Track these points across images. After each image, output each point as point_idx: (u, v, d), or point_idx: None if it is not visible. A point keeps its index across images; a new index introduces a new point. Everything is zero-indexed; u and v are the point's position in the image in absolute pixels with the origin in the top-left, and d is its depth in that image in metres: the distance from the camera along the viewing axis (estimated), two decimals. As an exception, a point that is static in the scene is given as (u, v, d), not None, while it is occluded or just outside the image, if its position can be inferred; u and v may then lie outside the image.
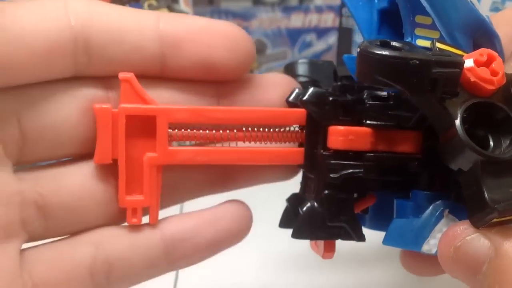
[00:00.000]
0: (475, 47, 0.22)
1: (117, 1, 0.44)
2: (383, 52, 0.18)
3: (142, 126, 0.21)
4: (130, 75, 0.20)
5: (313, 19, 0.50)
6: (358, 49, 0.19)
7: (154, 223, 0.21)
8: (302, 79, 0.24)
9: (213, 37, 0.21)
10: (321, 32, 0.50)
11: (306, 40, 0.51)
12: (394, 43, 0.19)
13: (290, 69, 0.25)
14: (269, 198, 0.27)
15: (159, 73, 0.21)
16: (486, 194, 0.18)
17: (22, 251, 0.19)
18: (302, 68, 0.24)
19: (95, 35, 0.19)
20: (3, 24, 0.18)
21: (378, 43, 0.19)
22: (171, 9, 0.47)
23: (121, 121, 0.20)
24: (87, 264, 0.20)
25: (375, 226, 0.24)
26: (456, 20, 0.21)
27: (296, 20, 0.50)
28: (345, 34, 0.48)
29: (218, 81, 0.22)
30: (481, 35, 0.22)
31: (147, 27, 0.20)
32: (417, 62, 0.18)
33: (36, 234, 0.20)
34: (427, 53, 0.19)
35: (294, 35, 0.50)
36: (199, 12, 0.50)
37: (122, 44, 0.20)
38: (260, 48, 0.51)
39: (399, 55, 0.18)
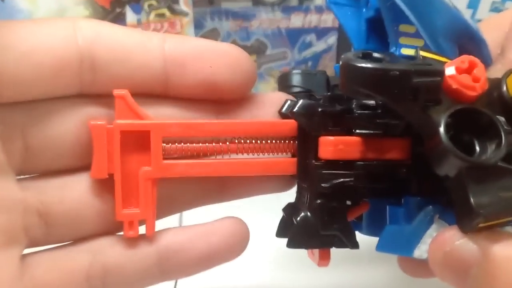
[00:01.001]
0: (461, 52, 0.23)
1: (117, 2, 0.45)
2: (364, 65, 0.19)
3: (137, 141, 0.22)
4: (124, 92, 0.21)
5: (313, 19, 0.51)
6: (341, 62, 0.20)
7: (150, 235, 0.22)
8: (296, 89, 0.26)
9: (216, 59, 0.22)
10: (321, 33, 0.51)
11: (306, 40, 0.51)
12: (376, 54, 0.20)
13: (284, 80, 0.26)
14: (270, 203, 0.28)
15: (162, 91, 0.22)
16: (471, 199, 0.19)
17: (23, 256, 0.21)
18: (295, 79, 0.26)
19: (100, 53, 0.21)
20: (12, 42, 0.19)
21: (360, 55, 0.20)
22: (171, 9, 0.48)
23: (116, 137, 0.22)
24: (84, 270, 0.22)
25: (371, 232, 0.25)
26: (440, 27, 0.22)
27: (296, 21, 0.51)
28: (344, 35, 0.49)
29: (219, 100, 0.23)
30: (467, 40, 0.23)
31: (152, 47, 0.22)
32: (397, 73, 0.19)
33: (37, 240, 0.22)
34: (409, 63, 0.20)
35: (294, 36, 0.51)
36: (199, 12, 0.51)
37: (127, 63, 0.21)
38: (260, 49, 0.52)
39: (379, 66, 0.19)
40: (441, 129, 0.19)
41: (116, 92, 0.21)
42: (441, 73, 0.19)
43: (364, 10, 0.24)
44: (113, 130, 0.22)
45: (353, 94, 0.20)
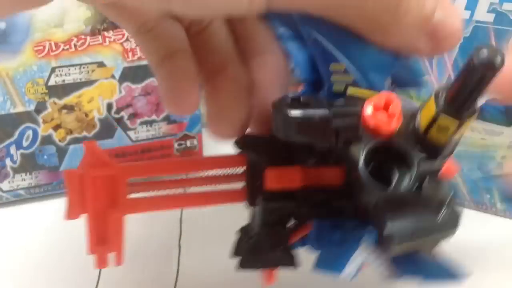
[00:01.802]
0: (398, 79, 0.25)
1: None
2: (289, 113, 0.22)
3: (105, 183, 0.25)
4: (92, 143, 0.25)
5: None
6: (272, 108, 0.23)
7: (119, 264, 0.26)
8: None
9: None
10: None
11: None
12: (303, 98, 0.23)
13: None
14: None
15: None
16: (386, 226, 0.22)
17: None
18: None
19: None
20: None
21: (289, 101, 0.23)
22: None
23: (87, 183, 0.25)
24: None
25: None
26: (367, 64, 0.24)
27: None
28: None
29: None
30: (401, 67, 0.25)
31: None
32: (318, 119, 0.22)
33: None
34: (330, 105, 0.22)
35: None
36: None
37: None
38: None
39: (300, 115, 0.22)
40: (360, 165, 0.22)
41: (85, 143, 0.25)
42: (357, 113, 0.22)
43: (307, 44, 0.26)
44: (85, 176, 0.25)
45: (284, 138, 0.23)
